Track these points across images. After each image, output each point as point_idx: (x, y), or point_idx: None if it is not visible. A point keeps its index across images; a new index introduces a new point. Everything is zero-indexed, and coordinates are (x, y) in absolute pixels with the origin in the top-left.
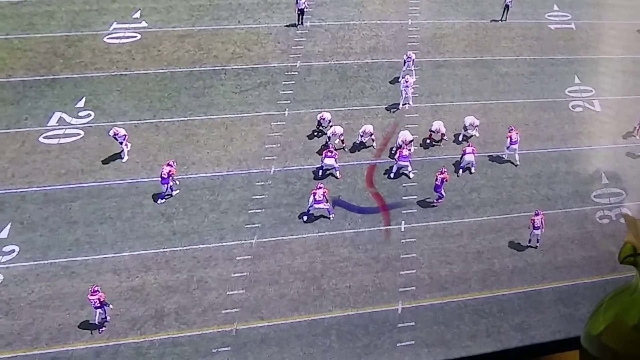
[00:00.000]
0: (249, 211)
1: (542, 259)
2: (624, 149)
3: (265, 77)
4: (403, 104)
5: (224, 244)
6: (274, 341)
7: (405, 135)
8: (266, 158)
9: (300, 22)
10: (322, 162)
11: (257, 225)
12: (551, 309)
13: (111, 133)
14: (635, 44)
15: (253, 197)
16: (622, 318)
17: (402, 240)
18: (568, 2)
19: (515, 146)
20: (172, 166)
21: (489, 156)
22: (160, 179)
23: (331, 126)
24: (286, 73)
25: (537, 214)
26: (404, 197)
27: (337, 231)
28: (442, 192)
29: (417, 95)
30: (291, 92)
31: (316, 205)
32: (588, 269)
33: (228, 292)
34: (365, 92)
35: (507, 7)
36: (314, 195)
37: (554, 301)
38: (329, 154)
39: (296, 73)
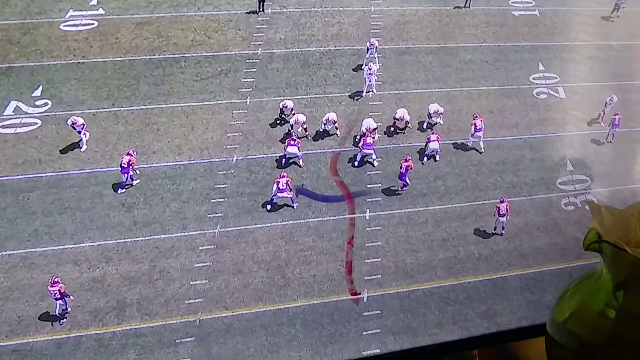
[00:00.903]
0: (212, 200)
1: (507, 246)
2: (589, 136)
3: (226, 64)
4: (366, 92)
5: (186, 233)
6: (238, 331)
7: (369, 123)
8: (228, 147)
9: (261, 9)
10: (285, 150)
11: (219, 214)
12: (517, 295)
13: (69, 122)
14: (599, 31)
15: (215, 186)
16: (587, 304)
17: (367, 229)
18: None
19: (480, 134)
20: (132, 155)
21: (453, 144)
22: (120, 168)
23: (294, 114)
24: (247, 60)
25: (502, 202)
26: (368, 185)
27: (301, 220)
28: (407, 180)
29: (380, 82)
30: (253, 79)
31: (279, 194)
32: (554, 255)
33: (191, 282)
34: (328, 79)
35: None
36: (277, 184)
37: (520, 288)
38: (292, 142)
39: (258, 60)
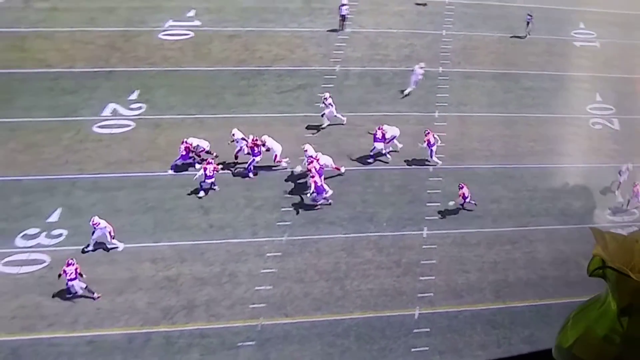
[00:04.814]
0: (282, 209)
1: (554, 273)
2: None
3: (305, 79)
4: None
5: (256, 239)
6: (296, 338)
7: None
8: (301, 157)
9: (341, 28)
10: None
11: (288, 223)
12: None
13: (91, 222)
14: None
15: (286, 195)
16: (593, 330)
17: (424, 246)
18: (594, 20)
19: (434, 147)
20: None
21: (510, 168)
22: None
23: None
24: (325, 76)
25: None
26: (427, 204)
27: (362, 233)
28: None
29: (446, 104)
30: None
31: (207, 180)
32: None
33: (256, 287)
34: (398, 98)
35: (527, 22)
36: (205, 171)
37: (564, 316)
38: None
39: (334, 77)
